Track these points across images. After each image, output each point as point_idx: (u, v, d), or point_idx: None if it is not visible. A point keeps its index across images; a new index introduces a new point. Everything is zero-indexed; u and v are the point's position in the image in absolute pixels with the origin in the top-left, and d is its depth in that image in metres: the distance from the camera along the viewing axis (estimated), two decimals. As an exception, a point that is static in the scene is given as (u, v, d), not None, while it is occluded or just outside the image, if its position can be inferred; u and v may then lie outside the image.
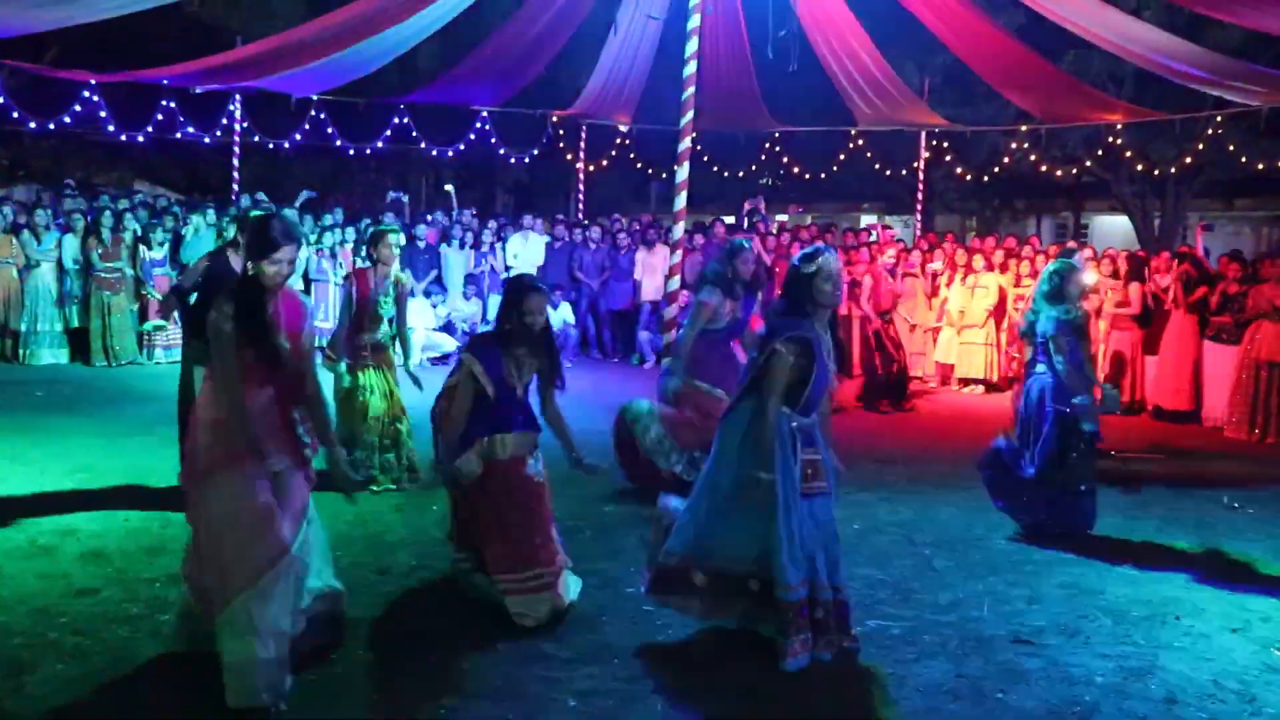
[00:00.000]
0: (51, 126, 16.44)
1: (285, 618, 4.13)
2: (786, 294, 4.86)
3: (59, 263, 12.91)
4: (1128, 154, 18.63)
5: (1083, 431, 6.70)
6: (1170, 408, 11.70)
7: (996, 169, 19.63)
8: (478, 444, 5.11)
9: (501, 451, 5.16)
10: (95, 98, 15.71)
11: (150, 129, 16.79)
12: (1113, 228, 28.07)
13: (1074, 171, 20.21)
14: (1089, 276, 7.50)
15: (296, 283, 13.45)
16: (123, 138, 17.29)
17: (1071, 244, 18.35)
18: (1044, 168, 19.21)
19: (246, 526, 4.15)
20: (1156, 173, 19.88)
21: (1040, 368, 6.85)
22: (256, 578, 4.08)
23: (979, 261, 13.02)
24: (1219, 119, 16.04)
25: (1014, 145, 18.85)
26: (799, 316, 4.77)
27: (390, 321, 7.60)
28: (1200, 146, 17.41)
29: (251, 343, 4.24)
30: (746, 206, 15.10)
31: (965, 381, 13.20)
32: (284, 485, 4.30)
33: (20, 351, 12.66)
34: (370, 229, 7.83)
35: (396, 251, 7.52)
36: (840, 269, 4.83)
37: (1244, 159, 17.62)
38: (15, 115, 15.64)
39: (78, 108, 15.80)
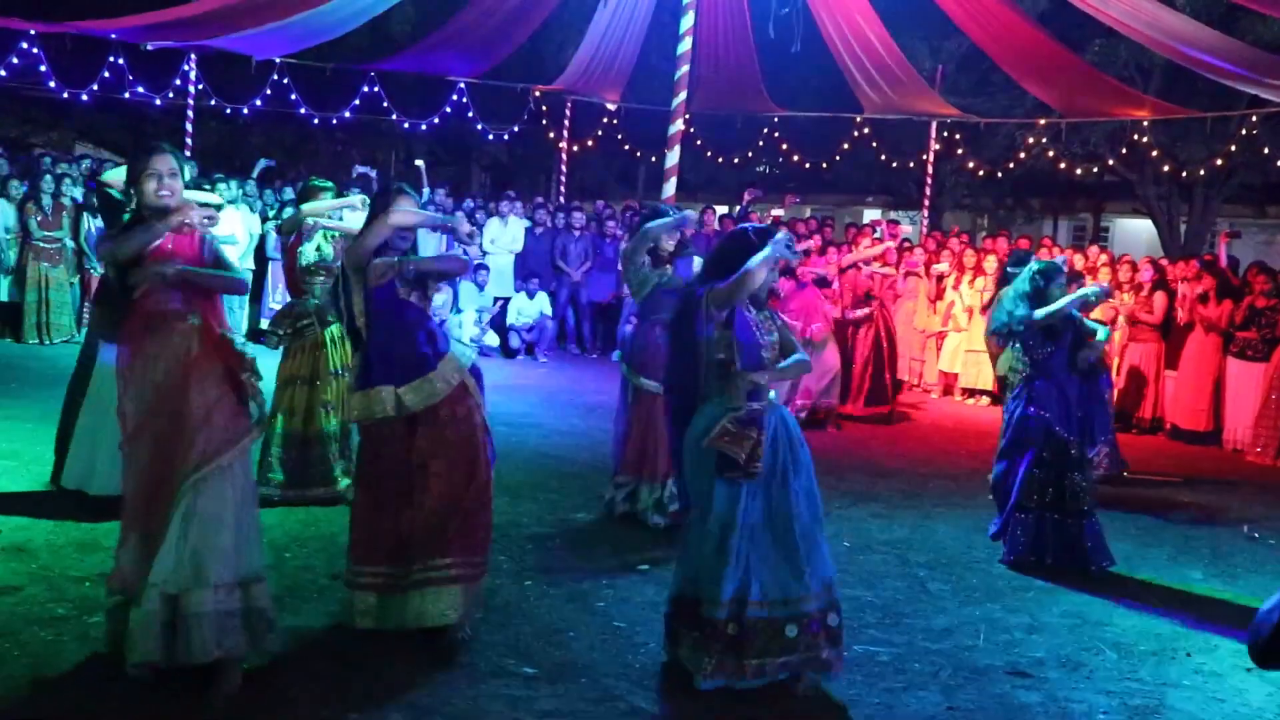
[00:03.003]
0: (-15, 80, 16.32)
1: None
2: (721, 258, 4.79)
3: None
4: (1154, 153, 18.75)
5: (1053, 440, 6.69)
6: (1189, 428, 11.79)
7: (1011, 164, 19.71)
8: None
9: None
10: (35, 50, 15.56)
11: (95, 87, 16.66)
12: (1135, 232, 28.24)
13: (1095, 170, 20.32)
14: (1092, 287, 7.49)
15: (249, 260, 13.41)
16: (64, 95, 17.16)
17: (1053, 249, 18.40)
18: (1063, 165, 19.30)
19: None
20: (1184, 174, 20.00)
21: (1023, 369, 6.94)
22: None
23: (991, 263, 13.06)
24: (1253, 119, 16.17)
25: (1031, 139, 18.93)
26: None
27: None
28: (1232, 148, 17.55)
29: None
30: (747, 197, 15.03)
31: (970, 392, 13.26)
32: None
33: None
34: (302, 185, 7.72)
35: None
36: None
37: (1278, 162, 17.75)
38: (-56, 66, 15.53)
39: (14, 60, 15.65)
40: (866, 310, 11.54)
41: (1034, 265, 7.07)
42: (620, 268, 7.37)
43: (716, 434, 4.51)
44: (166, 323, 4.42)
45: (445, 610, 4.85)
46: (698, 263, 7.13)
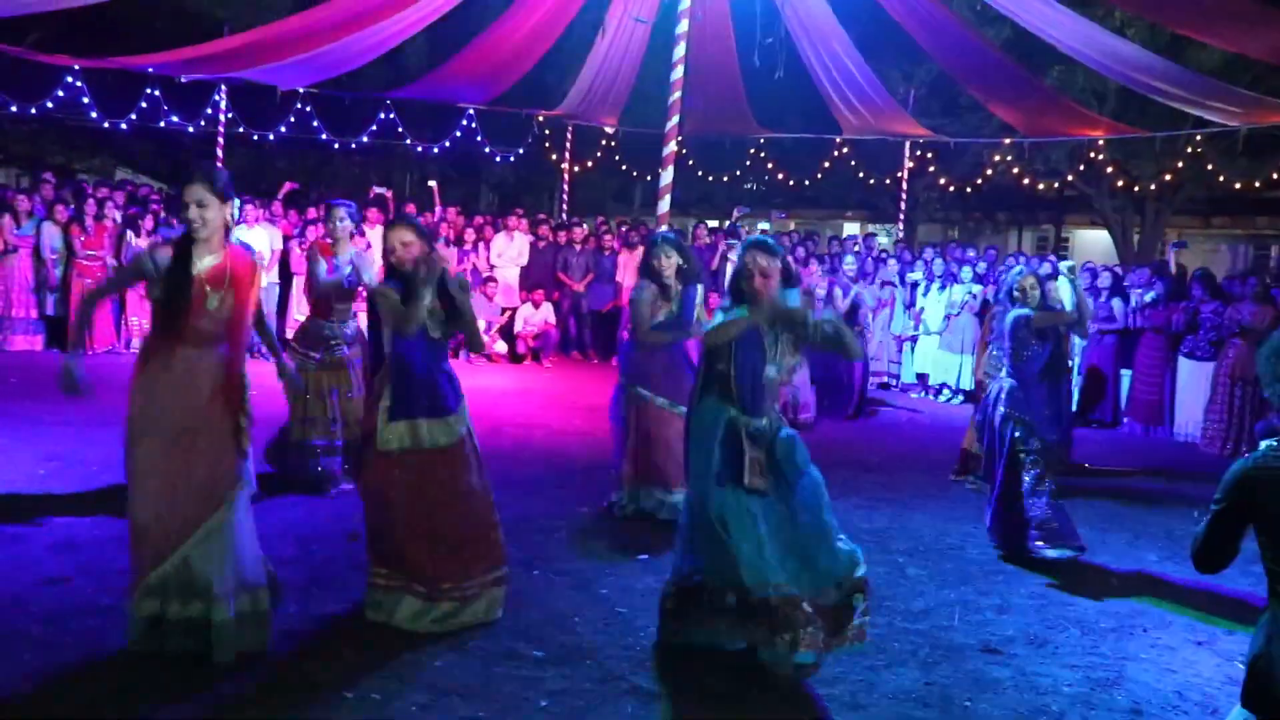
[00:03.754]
0: (33, 111, 16.30)
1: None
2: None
3: (35, 250, 12.82)
4: (1109, 169, 18.81)
5: (1033, 439, 6.64)
6: (1143, 422, 11.80)
7: (979, 180, 19.75)
8: None
9: None
10: (78, 83, 15.60)
11: (133, 116, 16.68)
12: (1093, 242, 28.30)
13: (1056, 185, 20.35)
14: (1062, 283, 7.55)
15: (274, 274, 13.41)
16: (105, 125, 17.17)
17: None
18: (1026, 180, 19.34)
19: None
20: (1136, 189, 20.06)
21: (1003, 371, 6.90)
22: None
23: (967, 273, 13.08)
24: (1199, 138, 16.22)
25: (997, 157, 18.98)
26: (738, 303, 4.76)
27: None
28: (1180, 164, 17.60)
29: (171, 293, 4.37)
30: (736, 213, 15.10)
31: (939, 390, 13.25)
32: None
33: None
34: (326, 206, 7.68)
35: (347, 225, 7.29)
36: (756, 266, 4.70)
37: (1221, 178, 17.81)
38: (-5, 99, 15.54)
39: (60, 93, 15.69)
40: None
41: (1017, 271, 7.12)
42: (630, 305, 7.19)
43: (751, 472, 4.54)
44: (208, 346, 4.43)
45: (495, 611, 5.04)
46: (701, 291, 7.14)
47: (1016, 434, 6.60)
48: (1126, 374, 12.12)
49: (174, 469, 4.30)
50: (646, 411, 6.93)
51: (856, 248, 15.71)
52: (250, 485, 4.61)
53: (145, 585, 4.31)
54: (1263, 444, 3.08)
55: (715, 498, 4.57)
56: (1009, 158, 18.71)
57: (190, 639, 4.32)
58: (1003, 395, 6.75)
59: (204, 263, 4.42)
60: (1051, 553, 6.48)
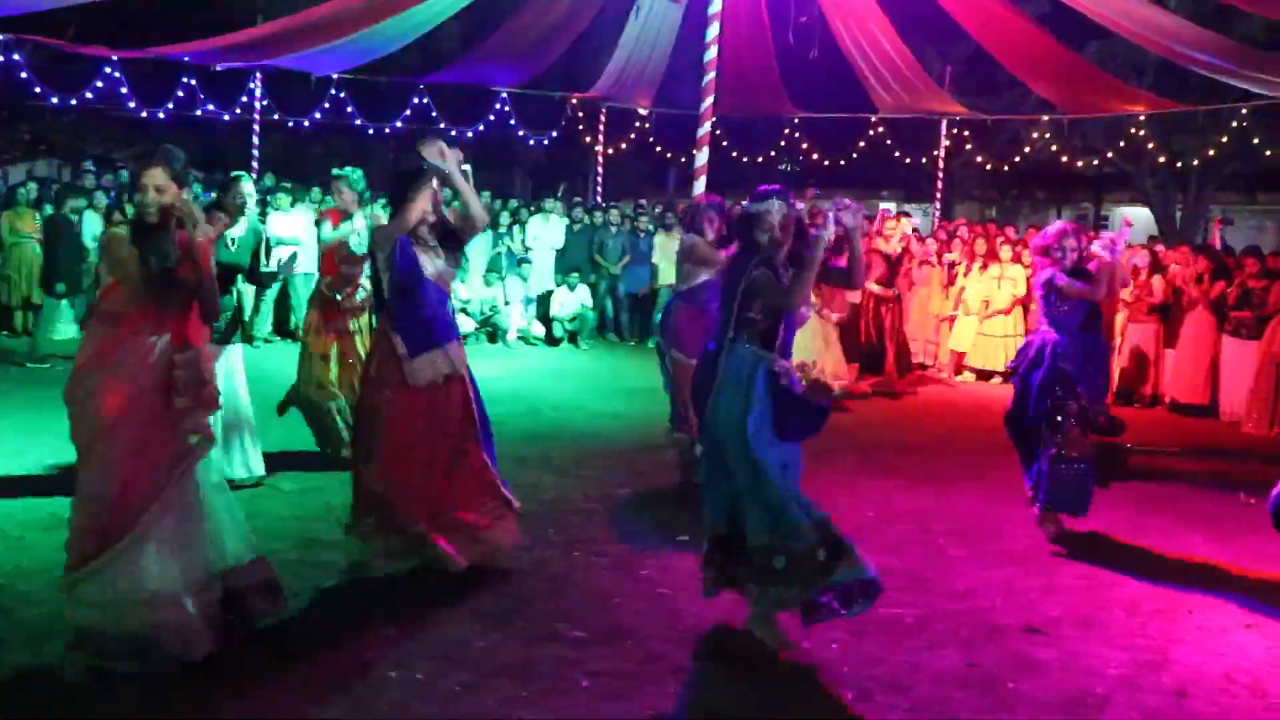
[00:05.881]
0: (73, 102, 16.48)
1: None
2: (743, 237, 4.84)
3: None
4: (1150, 146, 18.53)
5: (1071, 393, 6.51)
6: (1187, 402, 11.66)
7: (1017, 158, 19.54)
8: None
9: None
10: (116, 74, 15.75)
11: (170, 106, 16.83)
12: (1134, 219, 27.94)
13: (1095, 162, 20.11)
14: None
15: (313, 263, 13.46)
16: (143, 114, 17.33)
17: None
18: (1065, 158, 19.12)
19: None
20: (1179, 165, 19.77)
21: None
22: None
23: (1006, 252, 12.95)
24: (1244, 111, 15.95)
25: (1035, 135, 18.76)
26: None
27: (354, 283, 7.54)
28: (1224, 139, 17.31)
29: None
30: (810, 194, 14.93)
31: (982, 373, 13.14)
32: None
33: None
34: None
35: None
36: (776, 219, 4.71)
37: (1268, 152, 17.53)
38: (37, 90, 15.70)
39: (99, 84, 15.84)
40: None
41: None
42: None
43: (811, 389, 4.62)
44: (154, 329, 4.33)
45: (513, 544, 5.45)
46: None
47: (1058, 390, 6.50)
48: (1169, 353, 11.96)
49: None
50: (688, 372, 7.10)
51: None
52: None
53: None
54: None
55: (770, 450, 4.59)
56: (1047, 135, 18.51)
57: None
58: (1046, 351, 6.57)
59: None
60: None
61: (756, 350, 4.66)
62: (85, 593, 4.16)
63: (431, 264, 5.24)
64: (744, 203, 4.86)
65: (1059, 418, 6.48)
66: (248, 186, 6.77)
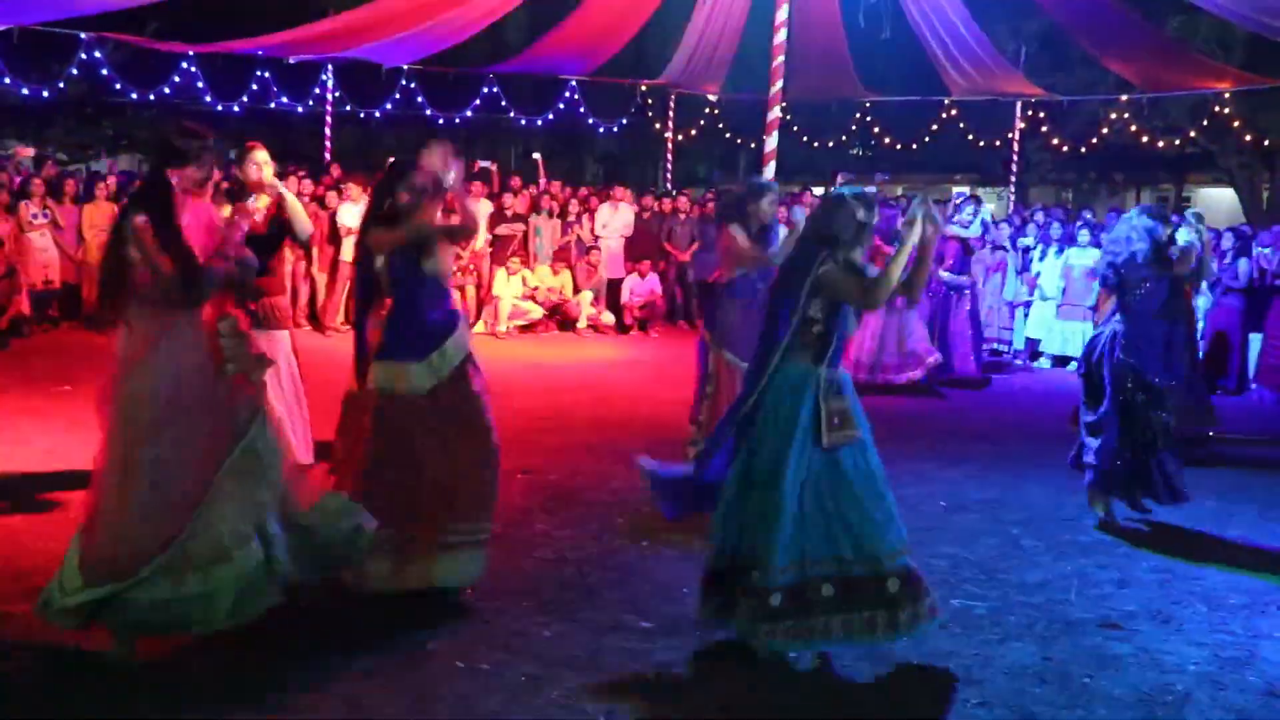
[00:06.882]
0: (152, 97, 16.86)
1: None
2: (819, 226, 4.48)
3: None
4: (1235, 123, 17.96)
5: (1142, 383, 6.32)
6: (1274, 388, 11.30)
7: (1094, 140, 19.09)
8: None
9: None
10: (193, 69, 16.09)
11: (245, 99, 17.13)
12: (1217, 201, 27.19)
13: (1176, 142, 19.56)
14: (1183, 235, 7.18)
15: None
16: (219, 108, 17.66)
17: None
18: (1145, 139, 18.62)
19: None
20: (1266, 143, 19.15)
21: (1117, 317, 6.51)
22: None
23: (1084, 236, 12.65)
24: (1335, 86, 15.39)
25: (1113, 115, 18.30)
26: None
27: None
28: (1314, 115, 16.75)
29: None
30: (840, 180, 14.87)
31: (1058, 360, 12.87)
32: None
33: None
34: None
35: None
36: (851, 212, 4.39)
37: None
38: (118, 87, 16.09)
39: (176, 79, 16.19)
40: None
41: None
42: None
43: (834, 429, 4.28)
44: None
45: (473, 572, 4.88)
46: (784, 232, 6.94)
47: (1129, 384, 6.32)
48: (1255, 338, 11.60)
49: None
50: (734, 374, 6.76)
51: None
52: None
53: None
54: None
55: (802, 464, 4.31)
56: (1126, 115, 18.03)
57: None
58: (1116, 341, 6.37)
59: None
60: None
61: (807, 366, 4.37)
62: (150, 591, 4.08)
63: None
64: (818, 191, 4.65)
65: (1130, 410, 6.32)
66: (262, 155, 6.34)
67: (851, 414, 4.36)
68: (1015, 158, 18.58)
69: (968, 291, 11.54)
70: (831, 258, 4.35)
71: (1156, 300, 6.44)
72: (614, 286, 14.81)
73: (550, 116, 18.88)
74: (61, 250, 12.43)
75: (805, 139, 19.93)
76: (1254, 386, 11.57)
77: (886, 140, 20.06)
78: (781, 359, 4.38)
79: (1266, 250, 11.66)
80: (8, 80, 15.22)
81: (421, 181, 4.93)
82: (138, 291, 4.19)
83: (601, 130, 20.87)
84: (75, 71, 15.28)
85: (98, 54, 15.12)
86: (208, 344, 4.26)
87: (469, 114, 18.55)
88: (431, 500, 4.79)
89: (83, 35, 14.68)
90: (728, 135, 20.34)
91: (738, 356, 6.60)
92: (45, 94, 16.16)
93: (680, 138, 19.94)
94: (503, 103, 18.17)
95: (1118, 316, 6.46)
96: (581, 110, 18.82)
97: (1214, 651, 4.69)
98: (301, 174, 14.25)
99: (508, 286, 13.63)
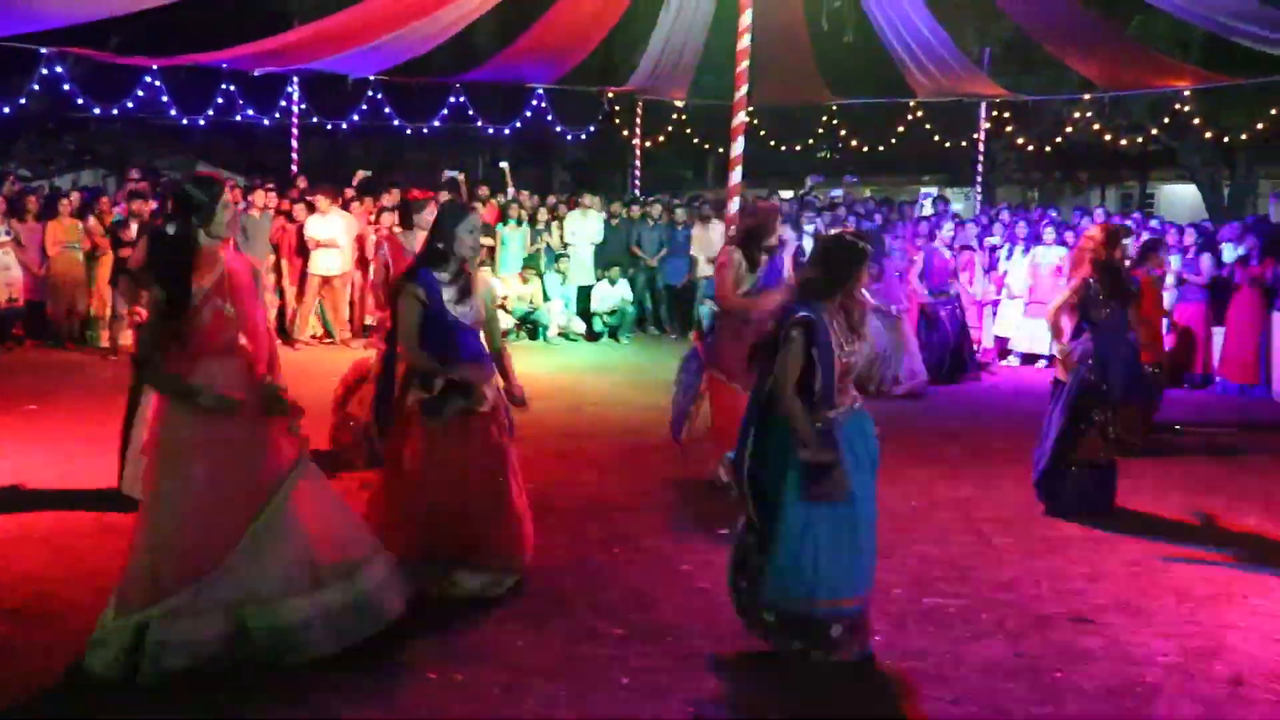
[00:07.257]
0: (115, 112, 16.73)
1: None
2: (817, 268, 4.47)
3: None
4: (1196, 121, 18.15)
5: (1096, 403, 6.51)
6: (1238, 381, 11.43)
7: (1059, 139, 19.25)
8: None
9: None
10: (157, 83, 15.97)
11: (210, 112, 17.03)
12: (1180, 197, 27.44)
13: (1139, 140, 19.75)
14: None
15: (350, 264, 13.51)
16: (184, 121, 17.55)
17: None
18: (1108, 137, 18.80)
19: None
20: (1226, 140, 19.36)
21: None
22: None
23: (1050, 234, 12.76)
24: (1292, 84, 15.57)
25: (1077, 114, 18.47)
26: (816, 297, 4.39)
27: None
28: (1274, 112, 16.92)
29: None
30: (809, 181, 14.95)
31: (1027, 357, 12.96)
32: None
33: (88, 334, 12.75)
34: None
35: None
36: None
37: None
38: (81, 102, 15.95)
39: (140, 93, 16.07)
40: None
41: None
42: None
43: (820, 488, 4.30)
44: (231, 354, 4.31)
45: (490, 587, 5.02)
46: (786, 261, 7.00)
47: (1086, 400, 6.50)
48: (1218, 332, 11.72)
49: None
50: (729, 393, 6.73)
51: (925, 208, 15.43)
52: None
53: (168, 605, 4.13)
54: None
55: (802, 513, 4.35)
56: (1089, 114, 18.20)
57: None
58: (1084, 358, 6.57)
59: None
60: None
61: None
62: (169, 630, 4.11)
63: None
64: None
65: (1081, 425, 6.53)
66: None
67: (841, 465, 4.31)
68: (981, 158, 18.71)
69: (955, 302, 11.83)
70: (803, 324, 4.30)
71: (1122, 319, 6.61)
72: (583, 294, 14.79)
73: (518, 125, 18.87)
74: (25, 268, 12.30)
75: (772, 143, 20.00)
76: (1218, 380, 11.69)
77: (854, 143, 20.16)
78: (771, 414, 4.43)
79: (1229, 245, 11.79)
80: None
81: None
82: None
83: (569, 138, 20.87)
84: (37, 87, 15.14)
85: (59, 69, 14.99)
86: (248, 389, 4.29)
87: (436, 124, 18.51)
88: (451, 532, 4.99)
89: (43, 50, 14.54)
90: (695, 140, 20.38)
91: (725, 377, 6.63)
92: (6, 110, 15.99)
93: (648, 144, 19.96)
94: (470, 112, 18.14)
95: (1086, 335, 6.60)
96: (549, 118, 18.81)
97: (1182, 643, 4.72)
98: (269, 187, 14.15)
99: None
